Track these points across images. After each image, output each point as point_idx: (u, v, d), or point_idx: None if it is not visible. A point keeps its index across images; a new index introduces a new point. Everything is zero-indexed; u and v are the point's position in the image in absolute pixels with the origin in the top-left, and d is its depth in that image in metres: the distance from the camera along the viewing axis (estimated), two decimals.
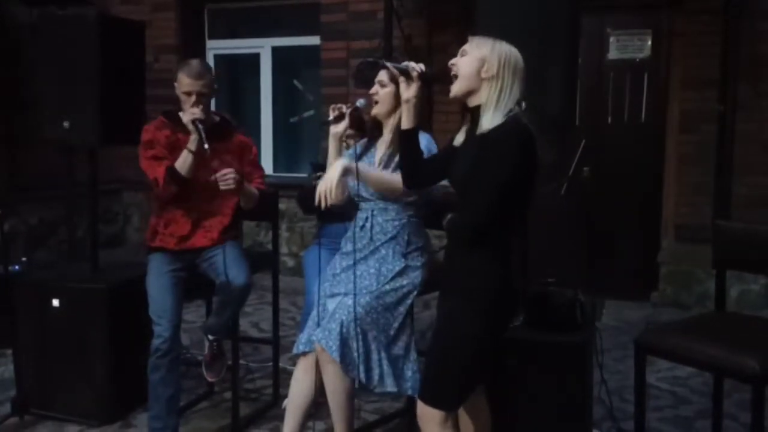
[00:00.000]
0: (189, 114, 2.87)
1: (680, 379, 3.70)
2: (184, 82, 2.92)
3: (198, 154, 2.87)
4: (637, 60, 5.21)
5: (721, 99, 4.55)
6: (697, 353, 2.39)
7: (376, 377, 2.55)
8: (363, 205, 2.71)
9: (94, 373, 3.21)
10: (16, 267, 4.00)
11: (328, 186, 2.36)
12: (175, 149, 2.94)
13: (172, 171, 2.88)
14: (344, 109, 2.54)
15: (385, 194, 2.61)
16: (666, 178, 5.23)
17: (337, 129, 2.58)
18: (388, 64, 2.35)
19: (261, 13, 6.37)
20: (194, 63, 2.96)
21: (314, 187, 2.86)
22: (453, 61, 2.17)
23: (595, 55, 5.23)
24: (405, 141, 2.32)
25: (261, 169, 3.21)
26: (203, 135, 2.82)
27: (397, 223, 2.66)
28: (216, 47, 6.55)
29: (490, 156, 2.04)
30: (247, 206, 3.05)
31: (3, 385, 3.58)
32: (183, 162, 2.88)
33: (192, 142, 2.86)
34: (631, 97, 5.25)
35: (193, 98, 2.91)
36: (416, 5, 5.42)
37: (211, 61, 6.52)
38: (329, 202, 2.34)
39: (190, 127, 2.85)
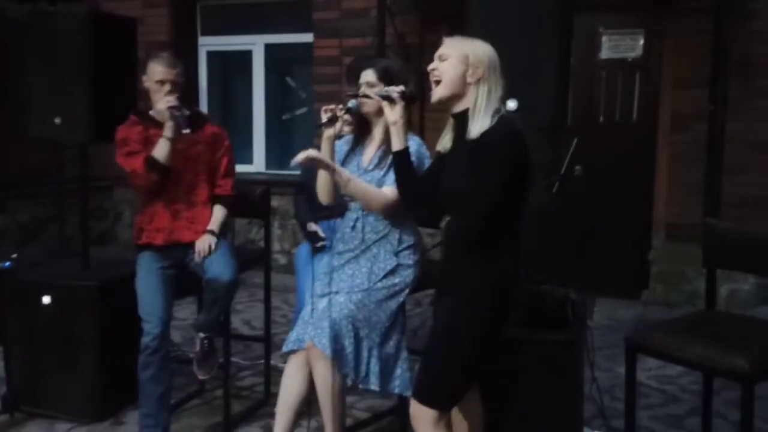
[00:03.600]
0: (164, 102, 2.89)
1: (670, 378, 3.72)
2: (157, 71, 2.95)
3: (174, 141, 2.90)
4: (629, 59, 5.23)
5: (711, 98, 4.56)
6: (687, 352, 2.40)
7: (362, 374, 2.56)
8: (352, 204, 2.70)
9: (85, 370, 3.20)
10: (7, 264, 3.96)
11: (309, 153, 2.36)
12: (148, 144, 2.97)
13: (151, 159, 2.90)
14: (337, 111, 2.55)
15: (366, 207, 2.61)
16: (657, 177, 5.25)
17: (329, 132, 2.58)
18: (371, 94, 2.37)
19: (254, 10, 6.35)
20: (166, 54, 3.03)
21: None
22: (433, 65, 2.16)
23: (587, 55, 5.24)
24: (398, 161, 2.33)
25: (232, 173, 3.19)
26: (181, 120, 2.86)
27: (387, 221, 2.65)
28: (208, 44, 6.52)
29: (484, 161, 2.03)
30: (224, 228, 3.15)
31: None
32: (161, 149, 2.90)
33: (168, 129, 2.89)
34: (623, 97, 5.27)
35: (167, 87, 2.94)
36: (409, 3, 5.42)
37: (203, 57, 6.51)
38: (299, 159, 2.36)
39: (166, 114, 2.87)
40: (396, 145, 2.30)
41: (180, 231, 3.03)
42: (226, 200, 3.14)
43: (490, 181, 2.02)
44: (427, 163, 2.57)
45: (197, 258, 2.97)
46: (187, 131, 2.88)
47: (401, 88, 2.31)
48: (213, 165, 3.11)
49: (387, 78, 2.54)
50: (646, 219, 5.31)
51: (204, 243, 2.99)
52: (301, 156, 2.36)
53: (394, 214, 2.61)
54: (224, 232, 3.15)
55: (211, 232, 3.04)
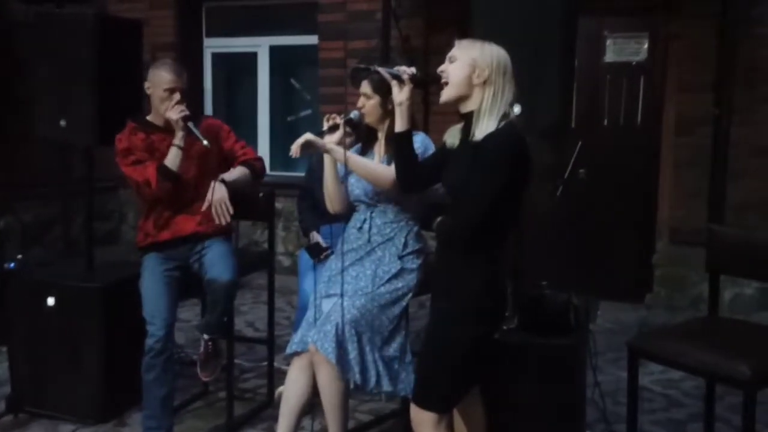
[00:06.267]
0: (176, 111, 2.87)
1: (673, 382, 3.71)
2: (167, 79, 2.93)
3: (185, 149, 2.90)
4: (634, 63, 5.23)
5: (716, 103, 4.56)
6: (689, 358, 2.40)
7: (372, 378, 2.56)
8: (362, 206, 2.72)
9: (89, 371, 3.21)
10: (11, 265, 3.99)
11: (302, 139, 2.50)
12: (152, 151, 2.97)
13: (164, 169, 2.89)
14: (338, 119, 2.58)
15: (374, 185, 2.62)
16: (661, 181, 5.24)
17: (331, 139, 2.60)
18: (380, 69, 2.38)
19: (259, 12, 6.37)
20: (170, 61, 3.00)
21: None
22: (442, 67, 2.18)
23: (592, 58, 5.23)
24: (399, 143, 2.34)
25: (241, 140, 3.19)
26: (197, 131, 2.85)
27: (395, 225, 2.68)
28: (213, 45, 6.54)
29: (484, 165, 2.05)
30: (247, 188, 3.05)
31: None
32: (173, 158, 2.90)
33: (179, 139, 2.89)
34: (628, 100, 5.26)
35: (177, 96, 2.93)
36: (414, 6, 5.43)
37: (208, 59, 6.52)
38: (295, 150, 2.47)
39: (180, 124, 2.87)
40: (399, 126, 2.31)
41: (183, 223, 3.03)
42: (249, 163, 3.08)
43: (487, 184, 2.04)
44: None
45: (214, 213, 2.85)
46: (206, 143, 2.83)
47: (412, 70, 2.32)
48: (218, 156, 3.08)
49: (381, 89, 2.57)
50: (650, 222, 5.30)
51: (212, 193, 2.83)
52: (295, 147, 2.45)
53: (402, 198, 2.63)
54: (238, 196, 2.96)
55: (221, 180, 2.87)
